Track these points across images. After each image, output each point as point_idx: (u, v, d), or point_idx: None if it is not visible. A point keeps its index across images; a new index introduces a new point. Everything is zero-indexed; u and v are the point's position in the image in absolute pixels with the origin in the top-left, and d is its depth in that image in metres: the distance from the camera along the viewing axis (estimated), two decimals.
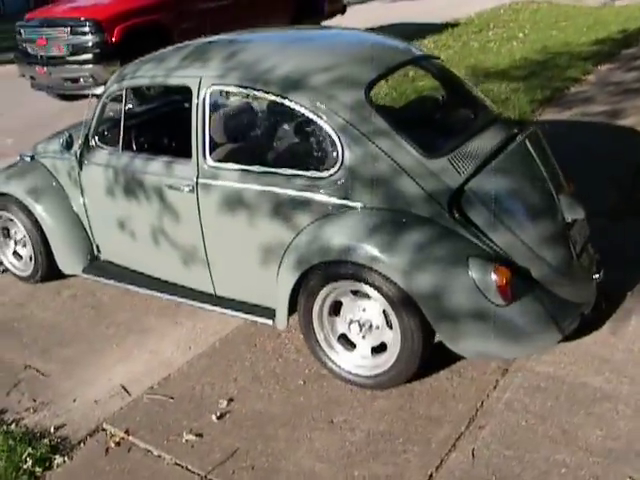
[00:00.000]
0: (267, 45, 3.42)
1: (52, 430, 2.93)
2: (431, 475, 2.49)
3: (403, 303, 2.72)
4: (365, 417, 2.81)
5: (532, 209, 2.92)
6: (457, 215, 2.78)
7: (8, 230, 4.14)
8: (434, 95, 3.78)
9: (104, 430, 2.91)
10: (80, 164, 3.70)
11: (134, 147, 3.67)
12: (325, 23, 10.51)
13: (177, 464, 2.67)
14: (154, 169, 3.35)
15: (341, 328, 3.00)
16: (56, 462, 2.75)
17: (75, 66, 7.28)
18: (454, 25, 11.91)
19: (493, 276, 2.65)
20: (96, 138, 3.64)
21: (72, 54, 7.33)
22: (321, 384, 3.04)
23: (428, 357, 2.86)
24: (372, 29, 12.11)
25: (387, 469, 2.53)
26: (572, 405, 2.74)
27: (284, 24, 9.40)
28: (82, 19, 7.24)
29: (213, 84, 3.11)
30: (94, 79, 7.22)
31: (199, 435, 2.81)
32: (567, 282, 2.93)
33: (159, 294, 3.57)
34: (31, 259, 4.04)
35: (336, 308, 2.99)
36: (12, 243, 4.16)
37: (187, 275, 3.47)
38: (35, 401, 3.14)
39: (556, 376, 2.92)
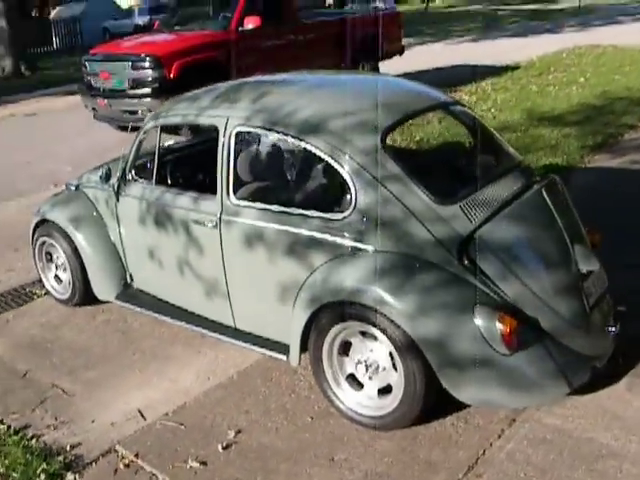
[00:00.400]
0: (292, 88, 3.60)
1: (68, 448, 3.09)
2: None
3: (407, 347, 2.77)
4: (365, 457, 2.86)
5: (544, 259, 2.95)
6: (466, 262, 2.84)
7: (51, 255, 4.40)
8: (455, 141, 3.86)
9: (116, 451, 3.05)
10: (117, 195, 3.93)
11: (166, 181, 3.87)
12: (383, 64, 10.74)
13: None
14: (182, 203, 3.54)
15: (349, 368, 3.07)
16: (67, 479, 2.91)
17: (134, 100, 7.69)
18: (515, 68, 11.96)
19: (498, 325, 2.69)
20: (133, 172, 3.87)
21: (132, 88, 7.75)
22: (328, 421, 3.10)
23: (433, 402, 2.89)
24: (427, 71, 12.32)
25: None
26: (575, 460, 2.72)
27: (340, 64, 9.67)
28: (143, 55, 7.67)
29: (238, 125, 3.28)
30: (151, 112, 7.58)
31: (203, 463, 2.92)
32: (578, 334, 2.92)
33: (183, 324, 3.73)
34: (70, 283, 4.28)
35: (346, 348, 3.06)
36: (54, 267, 4.42)
37: (209, 307, 3.61)
38: (56, 419, 3.31)
39: (563, 429, 2.90)
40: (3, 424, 3.29)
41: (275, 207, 3.17)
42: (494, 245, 2.86)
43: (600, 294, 3.10)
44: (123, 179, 3.91)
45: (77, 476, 2.92)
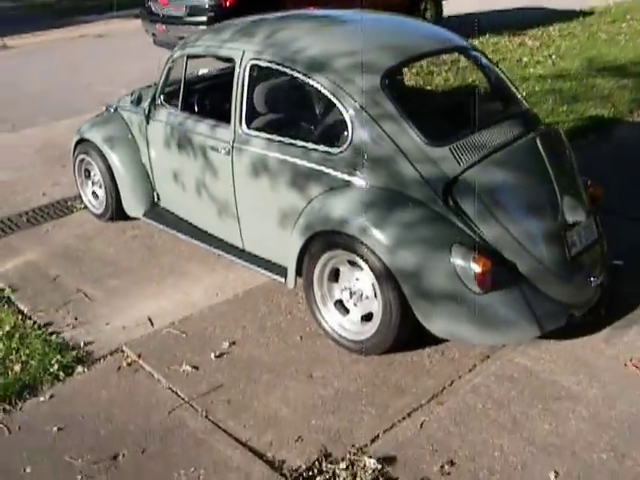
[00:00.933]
0: (306, 26, 3.71)
1: (82, 345, 3.45)
2: (377, 436, 2.74)
3: (386, 277, 2.96)
4: (341, 377, 3.09)
5: (528, 205, 3.04)
6: (450, 202, 2.97)
7: (89, 171, 4.73)
8: (463, 85, 3.90)
9: (122, 352, 3.39)
10: (147, 119, 4.19)
11: (190, 108, 4.08)
12: (448, 3, 10.50)
13: (169, 388, 3.10)
14: (201, 130, 3.76)
15: (337, 294, 3.28)
16: (77, 371, 3.27)
17: (191, 27, 7.86)
18: (589, 13, 11.45)
19: (472, 264, 2.82)
20: (162, 97, 4.10)
21: (189, 15, 7.93)
22: (315, 342, 3.34)
23: (408, 333, 3.07)
24: (496, 12, 11.93)
25: (341, 424, 2.81)
26: (534, 399, 2.87)
27: (400, 2, 9.52)
28: None
29: (252, 58, 3.45)
30: None
31: (195, 368, 3.22)
32: (556, 281, 3.03)
33: (199, 243, 4.01)
34: (104, 199, 4.62)
35: (336, 275, 3.27)
36: (91, 183, 4.76)
37: (222, 228, 3.88)
38: (76, 319, 3.69)
39: (532, 370, 3.04)
40: (30, 320, 3.69)
41: (280, 138, 3.36)
42: (478, 188, 2.96)
43: (587, 245, 3.17)
44: (153, 104, 4.15)
45: (86, 369, 3.28)
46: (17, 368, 3.27)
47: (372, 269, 3.00)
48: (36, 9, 16.60)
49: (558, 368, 3.05)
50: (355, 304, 3.22)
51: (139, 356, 3.34)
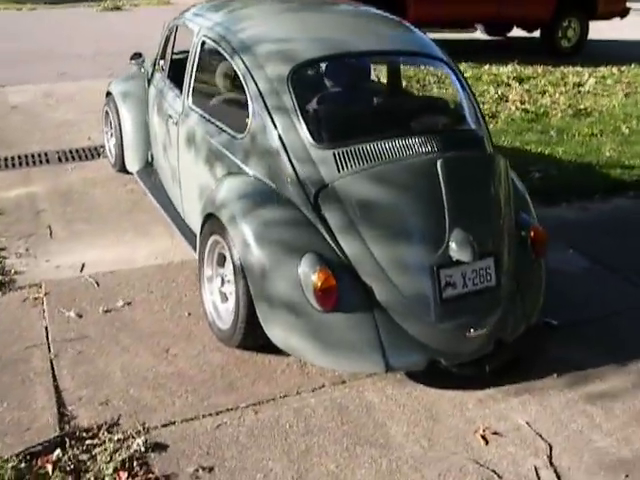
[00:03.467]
0: (266, 9, 3.69)
1: (12, 272, 3.79)
2: (173, 422, 2.75)
3: (239, 272, 2.93)
4: (191, 360, 3.11)
5: (401, 230, 2.81)
6: (321, 209, 2.85)
7: (112, 123, 5.09)
8: (403, 90, 3.63)
9: (38, 287, 3.67)
10: (148, 81, 4.43)
11: (170, 77, 4.23)
12: (601, 25, 9.68)
13: (45, 327, 3.31)
14: (169, 98, 3.93)
15: (218, 281, 3.29)
16: None
17: None
18: None
19: (313, 277, 2.71)
20: (159, 63, 4.31)
21: None
22: (197, 322, 3.38)
23: (257, 335, 2.98)
24: None
25: (152, 401, 2.85)
26: (345, 435, 2.71)
27: (544, 16, 8.97)
28: None
29: (203, 35, 3.53)
30: None
31: (79, 315, 3.41)
32: (417, 320, 2.80)
33: (158, 207, 4.19)
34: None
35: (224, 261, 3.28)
36: (110, 134, 5.12)
37: (174, 196, 4.02)
38: (27, 250, 4.04)
39: (371, 407, 2.85)
40: None
41: (206, 115, 3.43)
42: (349, 199, 2.81)
43: (473, 290, 2.86)
44: (153, 68, 4.38)
45: (1, 294, 3.61)
46: None
47: (232, 260, 2.98)
48: None
49: (400, 415, 2.82)
50: (231, 293, 3.21)
51: (46, 294, 3.60)
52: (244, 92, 3.15)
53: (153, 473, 2.50)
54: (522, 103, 7.01)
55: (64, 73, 7.30)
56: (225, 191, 3.09)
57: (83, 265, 3.90)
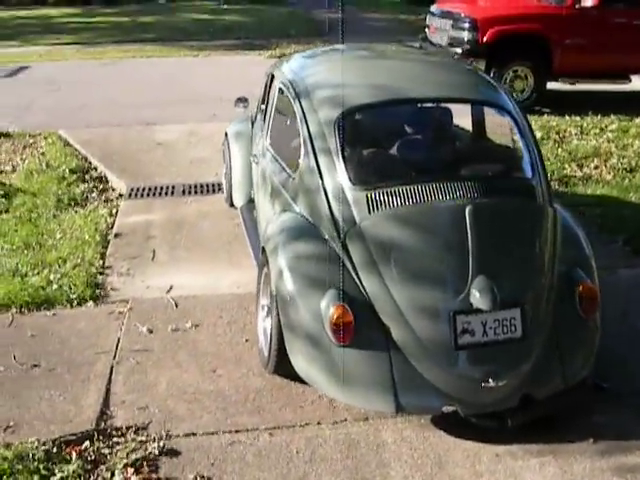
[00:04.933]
0: (339, 57, 3.95)
1: (108, 288, 4.34)
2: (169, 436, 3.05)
3: (274, 300, 3.18)
4: (230, 381, 3.40)
5: (422, 273, 2.91)
6: (348, 247, 3.03)
7: None
8: (452, 133, 3.65)
9: (125, 302, 4.16)
10: (252, 123, 4.88)
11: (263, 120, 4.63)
12: None
13: (118, 338, 3.77)
14: (256, 140, 4.34)
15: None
16: (87, 304, 4.15)
17: None
18: None
19: (330, 312, 2.89)
20: (260, 106, 4.74)
21: (450, 45, 8.27)
22: (251, 346, 3.66)
23: (286, 363, 3.17)
24: None
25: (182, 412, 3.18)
26: (345, 469, 2.84)
27: None
28: (462, 15, 8.07)
29: (280, 81, 3.89)
30: None
31: (150, 331, 3.84)
32: (432, 365, 2.87)
33: (247, 241, 4.57)
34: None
35: None
36: None
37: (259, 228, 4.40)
38: (128, 270, 4.58)
39: (381, 447, 2.95)
40: (101, 260, 4.71)
41: (275, 155, 3.76)
42: (374, 239, 2.97)
43: (493, 340, 2.87)
44: (256, 110, 4.82)
45: (92, 305, 4.13)
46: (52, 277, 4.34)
47: (270, 289, 3.24)
48: None
49: (407, 458, 2.90)
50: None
51: (130, 309, 4.10)
52: (299, 134, 3.45)
53: (157, 474, 2.81)
54: None
55: (214, 115, 8.07)
56: (273, 226, 3.38)
57: (171, 287, 4.36)
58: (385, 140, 3.50)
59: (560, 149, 7.04)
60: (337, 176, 3.17)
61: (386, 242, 2.99)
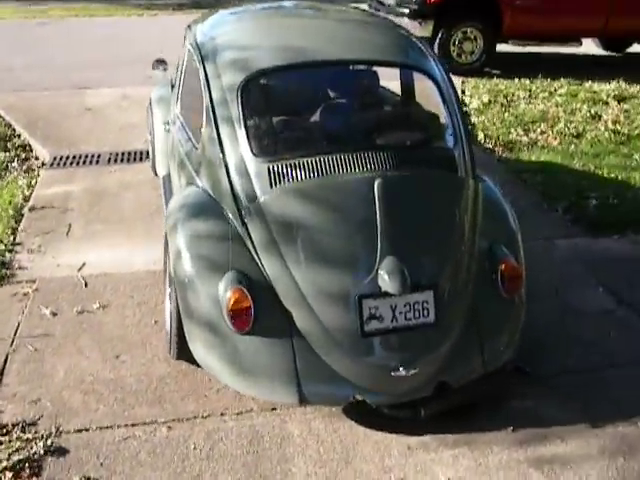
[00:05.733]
0: (258, 15, 3.66)
1: (15, 267, 4.03)
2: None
3: (172, 283, 2.93)
4: (131, 367, 3.17)
5: (326, 254, 2.68)
6: (248, 225, 2.79)
7: None
8: (370, 101, 3.41)
9: (32, 282, 3.87)
10: (171, 87, 4.56)
11: None
12: None
13: (18, 322, 3.49)
14: (170, 107, 4.05)
15: None
16: None
17: (394, 17, 7.87)
18: None
19: (228, 295, 2.65)
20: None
21: (398, 5, 7.96)
22: (160, 329, 3.40)
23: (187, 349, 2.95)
24: None
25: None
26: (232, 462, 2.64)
27: None
28: None
29: (189, 43, 3.58)
30: None
31: (54, 314, 3.56)
32: (337, 352, 2.65)
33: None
34: None
35: None
36: None
37: None
38: (39, 247, 4.26)
39: (266, 436, 2.76)
40: (12, 233, 4.39)
41: (183, 123, 3.49)
42: (273, 216, 2.73)
43: (404, 325, 2.66)
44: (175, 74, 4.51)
45: None
46: None
47: (169, 270, 2.99)
48: None
49: (312, 452, 2.70)
50: None
51: (35, 290, 3.80)
52: (204, 98, 3.16)
53: (39, 477, 2.57)
54: (615, 124, 6.46)
55: (150, 77, 7.68)
56: (174, 201, 3.12)
57: (83, 265, 4.07)
58: (295, 108, 3.22)
59: (507, 113, 6.83)
60: (238, 147, 2.88)
61: (287, 219, 2.73)
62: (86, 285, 3.86)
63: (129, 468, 2.61)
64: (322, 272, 2.68)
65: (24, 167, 5.56)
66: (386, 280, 2.61)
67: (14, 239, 4.36)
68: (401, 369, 2.65)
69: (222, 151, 2.91)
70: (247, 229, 2.78)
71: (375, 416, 2.77)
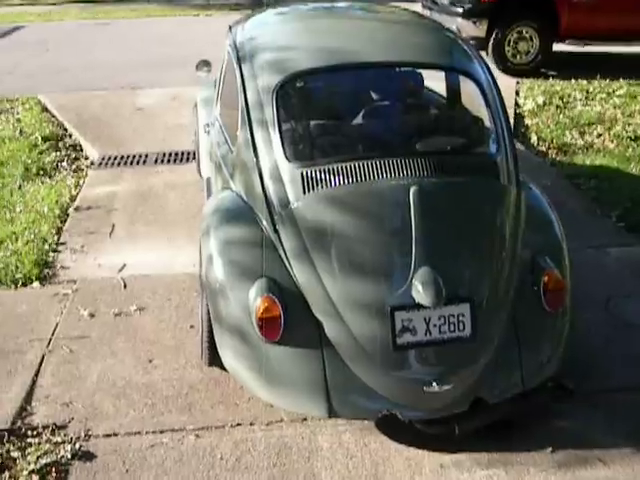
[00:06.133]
0: (298, 16, 3.56)
1: (57, 267, 4.07)
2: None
3: (202, 288, 2.89)
4: (165, 371, 3.14)
5: (358, 263, 2.58)
6: (280, 231, 2.71)
7: None
8: (411, 105, 3.26)
9: (72, 282, 3.90)
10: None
11: None
12: None
13: (57, 324, 3.51)
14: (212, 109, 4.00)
15: None
16: (32, 285, 3.89)
17: (449, 17, 7.71)
18: None
19: (258, 303, 2.59)
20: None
21: (451, 4, 7.77)
22: (196, 334, 3.34)
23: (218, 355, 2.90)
24: None
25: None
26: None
27: None
28: None
29: (228, 44, 3.51)
30: (459, 32, 7.56)
31: (92, 315, 3.56)
32: (368, 365, 2.56)
33: None
34: None
35: None
36: None
37: None
38: (82, 247, 4.29)
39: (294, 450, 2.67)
40: (58, 234, 4.44)
41: (222, 125, 3.44)
42: (305, 223, 2.65)
43: (437, 339, 2.54)
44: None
45: (38, 286, 3.88)
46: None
47: (200, 275, 2.95)
48: None
49: (341, 467, 2.61)
50: None
51: (75, 291, 3.83)
52: (238, 103, 3.11)
53: None
54: None
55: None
56: (209, 205, 3.07)
57: (124, 266, 4.09)
58: (332, 112, 3.13)
59: (562, 115, 6.59)
60: (272, 151, 2.81)
61: (320, 226, 2.65)
62: (125, 287, 3.86)
63: (154, 476, 2.58)
64: (354, 282, 2.59)
65: (73, 167, 5.64)
66: (420, 291, 2.50)
67: (58, 239, 4.41)
68: (434, 384, 2.54)
69: (256, 155, 2.84)
70: (279, 236, 2.71)
71: (408, 432, 2.67)
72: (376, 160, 2.71)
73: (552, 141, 6.05)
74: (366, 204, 2.67)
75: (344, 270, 2.60)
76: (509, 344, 2.70)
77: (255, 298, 2.61)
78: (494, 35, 7.53)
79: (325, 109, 3.18)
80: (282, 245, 2.70)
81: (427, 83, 3.62)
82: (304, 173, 2.73)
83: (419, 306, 2.52)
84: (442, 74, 3.55)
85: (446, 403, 2.61)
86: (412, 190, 2.58)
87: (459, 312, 2.57)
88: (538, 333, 2.78)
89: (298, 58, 3.04)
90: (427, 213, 2.59)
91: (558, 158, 5.78)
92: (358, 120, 3.07)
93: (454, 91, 3.53)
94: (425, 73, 3.47)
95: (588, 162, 5.61)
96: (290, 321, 2.60)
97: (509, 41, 7.61)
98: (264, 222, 2.79)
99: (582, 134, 6.18)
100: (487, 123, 3.00)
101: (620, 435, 2.76)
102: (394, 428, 2.70)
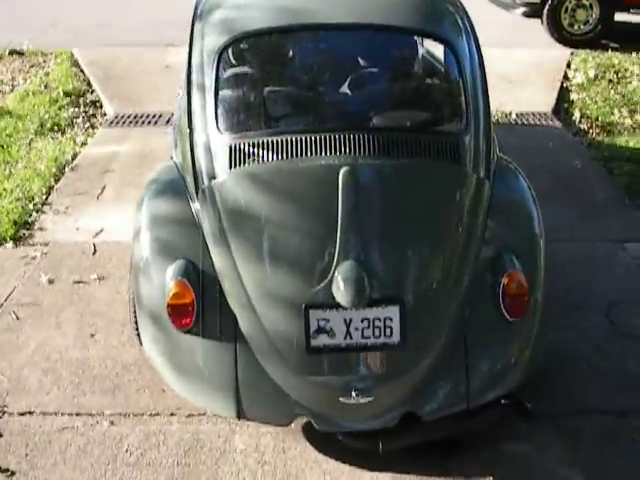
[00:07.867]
0: None
1: (36, 228, 3.92)
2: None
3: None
4: (107, 346, 2.95)
5: (276, 252, 2.27)
6: (200, 209, 2.43)
7: None
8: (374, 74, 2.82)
9: (45, 245, 3.75)
10: None
11: None
12: None
13: (14, 287, 3.39)
14: None
15: None
16: (6, 245, 3.77)
17: None
18: None
19: (170, 286, 2.33)
20: None
21: None
22: None
23: None
24: None
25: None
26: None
27: None
28: None
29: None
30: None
31: (51, 282, 3.40)
32: (280, 365, 2.26)
33: None
34: None
35: None
36: None
37: None
38: (67, 208, 4.13)
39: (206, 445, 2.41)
40: (52, 191, 4.31)
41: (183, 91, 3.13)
42: (225, 202, 2.36)
43: (358, 344, 2.21)
44: None
45: (12, 245, 3.76)
46: None
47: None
48: None
49: (250, 475, 2.35)
50: None
51: (44, 254, 3.67)
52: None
53: None
54: None
55: None
56: (149, 175, 2.81)
57: (101, 230, 3.91)
58: (278, 79, 2.78)
59: (613, 91, 5.95)
60: (206, 119, 2.52)
61: (240, 207, 2.35)
62: (95, 253, 3.68)
63: (51, 464, 2.39)
64: (270, 272, 2.28)
65: (88, 124, 5.48)
66: (340, 289, 2.17)
67: (46, 199, 4.26)
68: (353, 394, 2.22)
69: (190, 123, 2.55)
70: (200, 214, 2.42)
71: (332, 442, 2.38)
72: (311, 135, 2.37)
73: (597, 119, 5.46)
74: (291, 185, 2.34)
75: (260, 258, 2.29)
76: (454, 355, 2.34)
77: (169, 281, 2.36)
78: (549, 1, 6.87)
79: (272, 76, 2.82)
80: (202, 225, 2.42)
81: (404, 51, 3.19)
82: (233, 146, 2.42)
83: (339, 306, 2.20)
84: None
85: (366, 416, 2.29)
86: (342, 171, 2.24)
87: (386, 315, 2.22)
88: (492, 344, 2.40)
89: (250, 17, 2.71)
90: (357, 199, 2.24)
91: (599, 138, 5.21)
92: (305, 90, 2.72)
93: (425, 60, 3.09)
94: (395, 39, 3.03)
95: (631, 144, 5.04)
96: (204, 309, 2.33)
97: (566, 8, 6.90)
98: (191, 198, 2.51)
99: (632, 113, 5.56)
100: (458, 98, 2.59)
101: (578, 466, 2.39)
102: (319, 436, 2.42)
